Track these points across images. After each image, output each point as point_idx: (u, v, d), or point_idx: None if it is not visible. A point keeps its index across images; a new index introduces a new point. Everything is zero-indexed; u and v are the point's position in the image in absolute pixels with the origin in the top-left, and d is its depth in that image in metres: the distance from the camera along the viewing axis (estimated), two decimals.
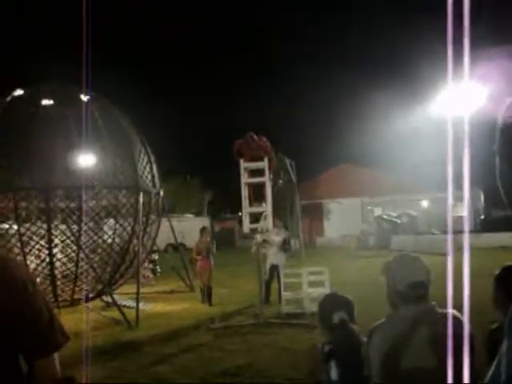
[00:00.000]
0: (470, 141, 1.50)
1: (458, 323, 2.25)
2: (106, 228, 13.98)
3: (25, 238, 11.98)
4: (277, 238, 12.68)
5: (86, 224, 12.68)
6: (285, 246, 12.93)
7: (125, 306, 12.32)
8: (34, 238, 12.07)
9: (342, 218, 43.88)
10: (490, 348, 2.65)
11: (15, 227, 11.98)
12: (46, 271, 12.16)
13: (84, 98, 12.66)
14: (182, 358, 8.05)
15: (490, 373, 1.97)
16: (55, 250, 12.37)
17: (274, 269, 12.53)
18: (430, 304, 2.50)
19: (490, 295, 2.72)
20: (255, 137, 11.08)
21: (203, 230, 14.22)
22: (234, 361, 7.72)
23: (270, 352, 8.14)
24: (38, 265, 12.19)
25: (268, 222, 10.87)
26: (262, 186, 11.08)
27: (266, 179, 10.95)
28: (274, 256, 12.66)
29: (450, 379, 1.59)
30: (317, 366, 2.90)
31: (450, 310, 2.05)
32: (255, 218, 11.36)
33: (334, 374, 2.81)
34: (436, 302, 2.53)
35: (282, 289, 11.64)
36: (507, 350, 1.83)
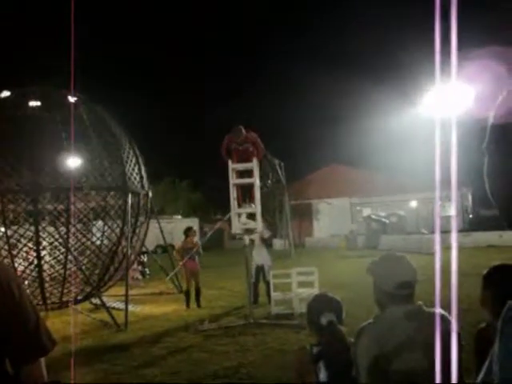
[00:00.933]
0: (458, 141, 1.50)
1: (445, 322, 2.25)
2: (94, 230, 13.93)
3: (12, 241, 11.90)
4: (257, 237, 12.66)
5: (74, 226, 12.62)
6: (265, 243, 13.06)
7: (114, 308, 12.27)
8: (22, 240, 11.99)
9: (331, 219, 44.05)
10: (478, 347, 2.66)
11: (2, 229, 11.92)
12: (34, 274, 12.07)
13: (71, 99, 12.60)
14: (171, 360, 8.03)
15: (481, 375, 1.97)
16: (43, 253, 12.28)
17: (260, 269, 12.59)
18: (417, 303, 2.51)
19: (478, 294, 2.73)
20: (243, 130, 11.02)
21: (188, 230, 13.86)
22: (223, 362, 7.71)
23: (259, 353, 8.13)
24: (25, 267, 12.12)
25: (258, 222, 10.87)
26: (250, 186, 11.07)
27: (255, 180, 10.95)
28: (258, 256, 12.73)
29: (438, 378, 1.59)
30: (305, 368, 2.89)
31: (438, 310, 2.05)
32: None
33: (322, 375, 2.81)
34: (424, 302, 2.54)
35: (272, 289, 11.61)
36: (500, 353, 1.83)
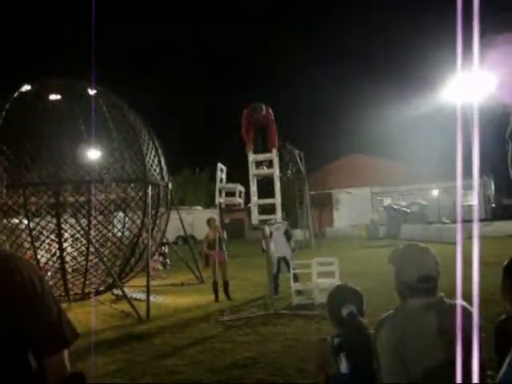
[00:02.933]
0: (480, 129, 1.47)
1: (466, 314, 2.22)
2: (115, 221, 14.03)
3: (35, 233, 12.05)
4: (279, 229, 12.61)
5: (95, 218, 12.73)
6: (286, 235, 12.83)
7: (135, 298, 12.37)
8: (44, 232, 12.14)
9: (351, 208, 43.89)
10: (499, 338, 2.63)
11: (25, 222, 12.05)
12: (56, 265, 12.23)
13: (91, 92, 12.66)
14: (192, 350, 8.07)
15: (503, 370, 1.93)
16: (65, 244, 12.43)
17: (281, 260, 12.51)
18: (438, 295, 2.47)
19: (499, 284, 2.69)
20: (263, 107, 11.04)
21: (210, 221, 12.99)
22: (243, 352, 7.73)
23: (279, 343, 8.13)
24: (48, 259, 12.27)
25: (278, 213, 10.85)
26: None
27: (275, 171, 10.92)
28: (278, 248, 12.60)
29: (459, 370, 1.57)
30: (326, 359, 2.88)
31: (459, 301, 2.02)
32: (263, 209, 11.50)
33: (343, 366, 2.80)
34: (445, 292, 2.50)
35: (292, 280, 11.58)
36: None
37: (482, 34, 1.47)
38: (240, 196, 11.96)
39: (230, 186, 11.94)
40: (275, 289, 11.82)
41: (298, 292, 11.66)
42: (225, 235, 13.41)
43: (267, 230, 11.09)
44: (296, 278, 11.80)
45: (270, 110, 11.05)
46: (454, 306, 2.30)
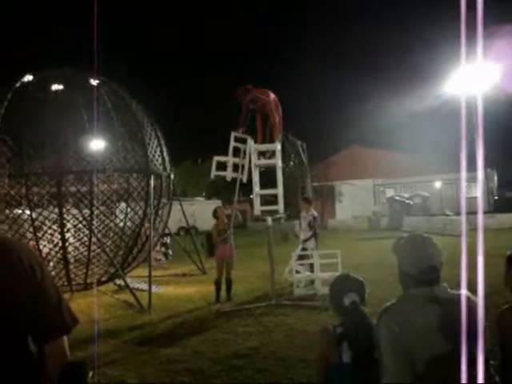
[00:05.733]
0: (484, 120, 1.46)
1: (470, 304, 2.21)
2: (117, 212, 14.05)
3: (37, 223, 12.06)
4: (305, 219, 12.52)
5: (97, 208, 12.74)
6: (310, 226, 12.55)
7: (137, 289, 12.39)
8: (47, 222, 12.16)
9: (353, 200, 43.84)
10: (501, 328, 2.63)
11: (27, 212, 12.07)
12: (58, 255, 12.25)
13: (93, 82, 12.64)
14: (194, 340, 8.09)
15: None
16: (67, 235, 12.45)
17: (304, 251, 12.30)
18: (441, 285, 2.46)
19: (502, 276, 2.69)
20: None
21: (215, 212, 11.97)
22: (245, 342, 7.75)
23: (281, 333, 8.16)
24: (50, 249, 12.29)
25: (280, 204, 10.84)
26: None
27: (277, 161, 10.91)
28: (303, 238, 12.54)
29: (463, 360, 1.56)
30: (328, 349, 2.88)
31: (464, 291, 2.01)
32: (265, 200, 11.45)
33: (345, 356, 2.80)
34: (448, 283, 2.49)
35: (294, 271, 11.51)
36: None
37: (486, 25, 1.45)
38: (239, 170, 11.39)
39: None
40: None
41: (300, 283, 11.67)
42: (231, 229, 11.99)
43: (269, 220, 11.07)
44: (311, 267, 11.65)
45: (273, 96, 11.01)
46: (457, 296, 2.30)
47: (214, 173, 11.45)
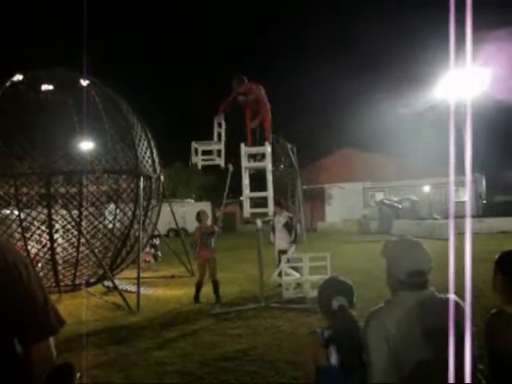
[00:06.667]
0: (473, 125, 1.47)
1: (458, 308, 2.23)
2: (106, 213, 14.00)
3: (26, 224, 11.99)
4: (279, 222, 12.64)
5: (86, 209, 12.69)
6: (286, 228, 12.68)
7: (126, 290, 12.36)
8: (35, 223, 12.08)
9: (343, 203, 43.98)
10: (489, 332, 2.65)
11: (16, 213, 12.00)
12: (47, 256, 12.19)
13: (83, 83, 12.60)
14: (183, 343, 8.07)
15: None
16: (56, 235, 12.38)
17: (282, 254, 12.35)
18: (429, 289, 2.48)
19: (491, 280, 2.71)
20: (245, 79, 11.04)
21: (199, 214, 11.84)
22: (234, 345, 7.74)
23: (270, 336, 8.16)
24: (39, 250, 12.23)
25: (269, 206, 10.84)
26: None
27: (267, 164, 10.89)
28: (279, 241, 12.64)
29: (451, 364, 1.58)
30: (316, 352, 2.89)
31: (452, 295, 2.02)
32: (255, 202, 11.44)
33: (333, 359, 2.80)
34: (437, 287, 2.51)
35: (283, 274, 11.51)
36: None
37: (475, 31, 1.47)
38: (220, 156, 11.46)
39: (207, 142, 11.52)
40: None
41: (289, 286, 11.67)
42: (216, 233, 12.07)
43: (259, 222, 11.07)
44: (296, 270, 11.66)
45: (263, 94, 10.95)
46: (445, 300, 2.31)
47: (193, 159, 11.35)
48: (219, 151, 11.41)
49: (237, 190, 12.17)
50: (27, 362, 1.93)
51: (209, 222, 12.23)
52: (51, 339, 2.01)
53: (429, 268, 2.50)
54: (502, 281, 2.61)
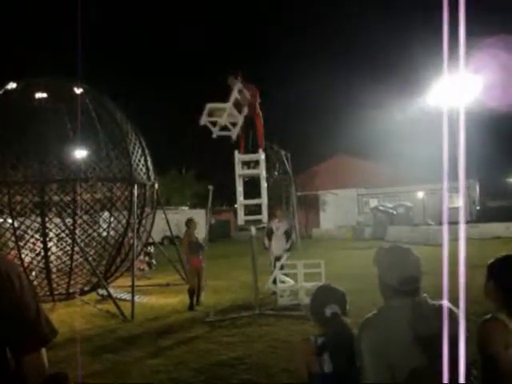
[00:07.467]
0: (466, 132, 1.48)
1: (451, 315, 2.23)
2: (100, 221, 13.94)
3: (19, 232, 11.93)
4: (279, 229, 12.61)
5: (80, 217, 12.64)
6: (286, 235, 12.67)
7: (120, 299, 12.31)
8: (29, 231, 12.02)
9: (337, 210, 43.98)
10: (482, 338, 2.64)
11: (9, 221, 11.94)
12: (40, 265, 12.13)
13: (77, 90, 12.59)
14: (177, 351, 8.05)
15: None
16: (50, 244, 12.32)
17: (278, 260, 12.30)
18: (422, 296, 2.48)
19: (483, 285, 2.71)
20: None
21: (189, 222, 12.14)
22: (229, 353, 7.73)
23: (265, 344, 8.14)
24: (32, 258, 12.17)
25: (263, 214, 10.82)
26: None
27: (261, 171, 10.89)
28: (277, 247, 12.59)
29: (445, 371, 1.57)
30: (309, 359, 2.88)
31: (445, 302, 2.02)
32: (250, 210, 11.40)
33: (327, 366, 2.80)
34: (429, 293, 2.51)
35: (278, 281, 11.49)
36: None
37: (468, 38, 1.48)
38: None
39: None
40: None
41: (284, 293, 11.64)
42: (203, 243, 12.52)
43: (253, 230, 11.05)
44: (287, 276, 11.65)
45: (257, 99, 10.91)
46: (438, 307, 2.31)
47: (204, 119, 10.62)
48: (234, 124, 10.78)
49: (231, 198, 12.14)
50: (19, 373, 1.91)
51: (196, 232, 12.20)
52: (43, 350, 2.00)
53: (420, 274, 2.50)
54: (495, 287, 2.61)
